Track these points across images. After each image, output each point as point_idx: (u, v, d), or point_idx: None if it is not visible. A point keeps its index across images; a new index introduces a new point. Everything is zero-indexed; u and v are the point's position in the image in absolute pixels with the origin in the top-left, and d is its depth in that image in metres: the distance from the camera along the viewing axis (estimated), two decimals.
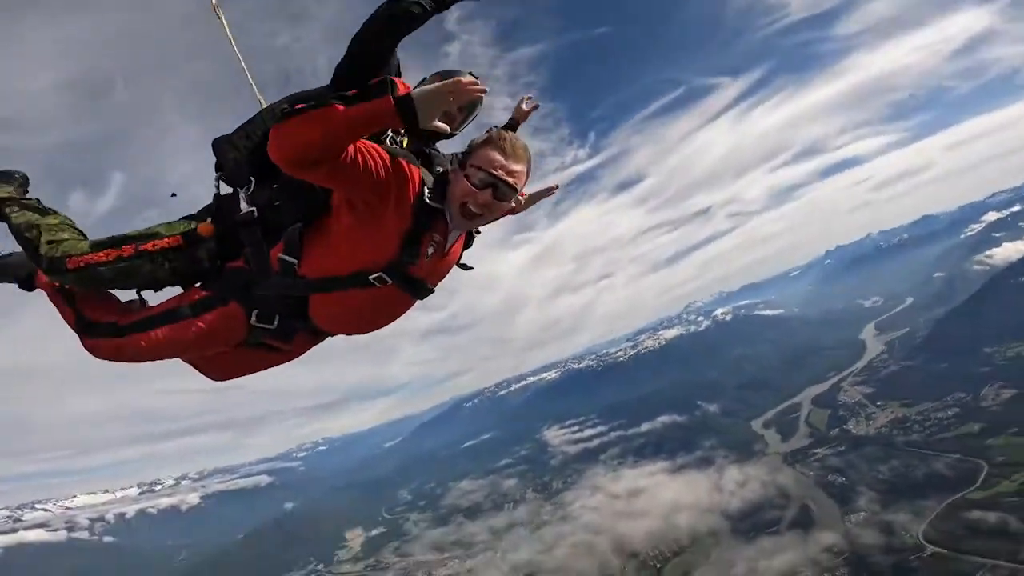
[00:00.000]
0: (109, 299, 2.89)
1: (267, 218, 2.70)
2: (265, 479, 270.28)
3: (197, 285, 2.78)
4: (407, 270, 2.58)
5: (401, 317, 2.92)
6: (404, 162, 2.49)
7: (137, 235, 2.72)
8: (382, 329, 2.98)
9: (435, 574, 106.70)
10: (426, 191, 2.53)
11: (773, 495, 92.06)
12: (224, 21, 3.47)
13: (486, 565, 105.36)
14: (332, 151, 2.20)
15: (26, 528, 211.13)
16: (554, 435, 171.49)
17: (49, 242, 2.68)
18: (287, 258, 2.58)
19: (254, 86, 3.55)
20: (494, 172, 2.47)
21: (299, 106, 2.16)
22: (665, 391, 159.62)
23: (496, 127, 2.67)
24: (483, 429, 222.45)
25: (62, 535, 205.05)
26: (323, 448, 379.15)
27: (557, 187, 3.44)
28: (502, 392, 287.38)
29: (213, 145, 2.95)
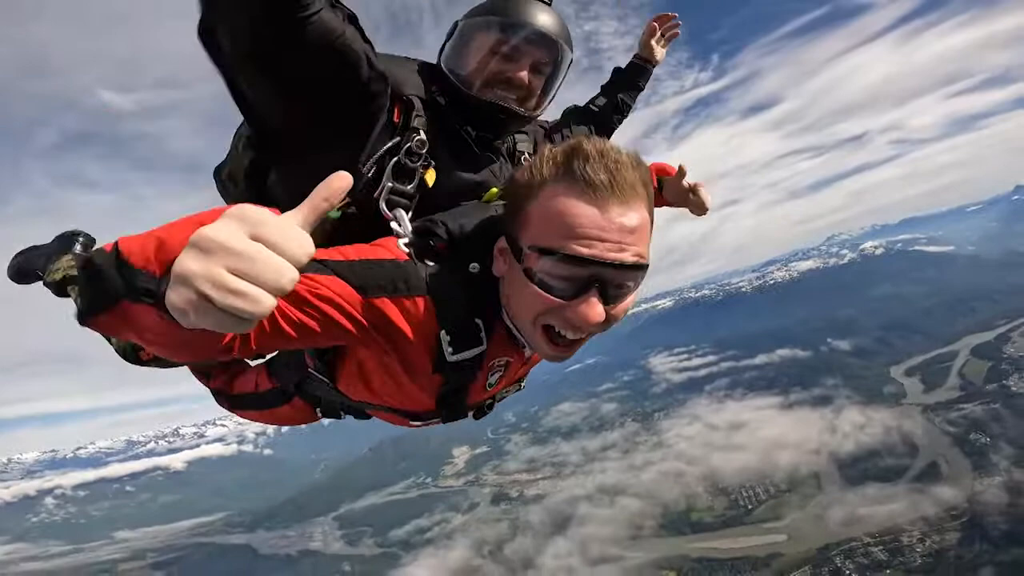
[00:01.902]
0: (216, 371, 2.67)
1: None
2: None
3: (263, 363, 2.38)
4: (455, 409, 1.78)
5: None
6: (384, 305, 1.34)
7: None
8: None
9: (526, 492, 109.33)
10: (445, 344, 1.42)
11: (895, 443, 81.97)
12: None
13: (574, 485, 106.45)
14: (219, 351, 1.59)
15: (207, 443, 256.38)
16: (660, 362, 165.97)
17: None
18: (317, 375, 1.86)
19: None
20: (582, 252, 1.21)
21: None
22: (790, 326, 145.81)
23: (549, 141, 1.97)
24: (589, 354, 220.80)
25: (234, 448, 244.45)
26: None
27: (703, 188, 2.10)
28: None
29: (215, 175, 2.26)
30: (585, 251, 1.19)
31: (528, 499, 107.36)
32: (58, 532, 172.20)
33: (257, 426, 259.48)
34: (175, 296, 0.77)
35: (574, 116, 2.48)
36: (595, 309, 1.24)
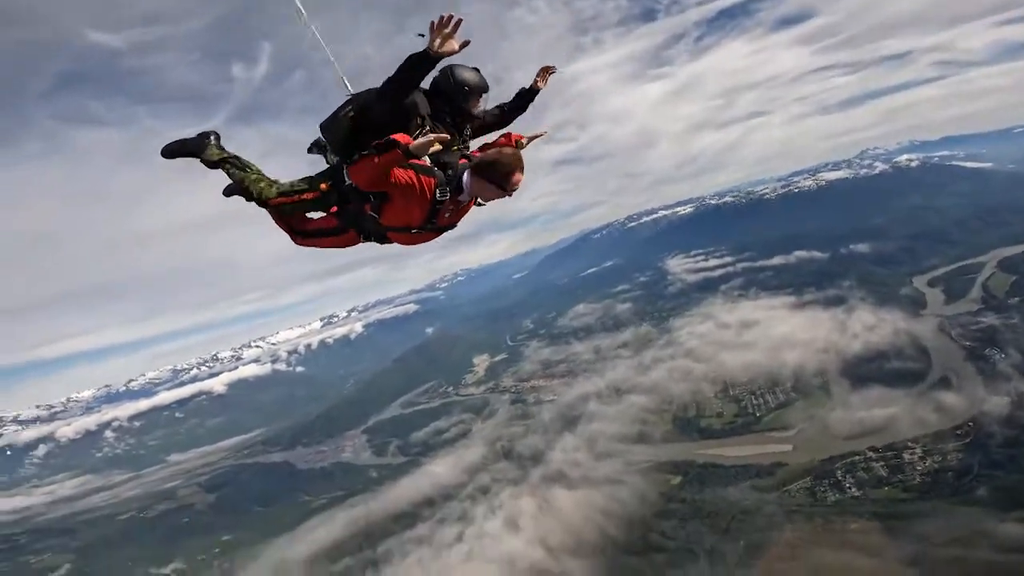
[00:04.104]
0: (298, 217, 5.18)
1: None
2: (413, 307, 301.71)
3: (333, 211, 4.99)
4: (432, 225, 4.63)
5: (434, 240, 4.98)
6: (422, 178, 4.30)
7: (295, 189, 4.89)
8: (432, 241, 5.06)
9: (541, 394, 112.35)
10: (438, 193, 4.35)
11: (906, 348, 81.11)
12: (311, 26, 4.87)
13: (585, 383, 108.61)
14: (381, 181, 4.19)
15: (244, 364, 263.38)
16: (677, 264, 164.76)
17: (256, 189, 4.91)
18: (373, 214, 4.66)
19: (344, 79, 5.01)
20: (508, 185, 4.30)
21: (363, 152, 4.19)
22: (811, 231, 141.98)
23: (503, 147, 4.55)
24: (607, 258, 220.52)
25: (268, 368, 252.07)
26: (461, 279, 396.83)
27: (546, 132, 5.56)
28: (632, 224, 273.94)
29: (320, 128, 5.07)
30: (507, 184, 4.34)
31: (542, 400, 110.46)
32: (120, 462, 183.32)
33: (289, 345, 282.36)
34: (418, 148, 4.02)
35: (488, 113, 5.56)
36: (495, 194, 4.50)
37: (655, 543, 63.16)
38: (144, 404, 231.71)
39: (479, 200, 4.63)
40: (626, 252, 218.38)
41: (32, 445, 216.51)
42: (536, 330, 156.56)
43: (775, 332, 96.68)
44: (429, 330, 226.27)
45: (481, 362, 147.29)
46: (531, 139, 5.33)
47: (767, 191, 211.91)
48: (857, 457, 64.96)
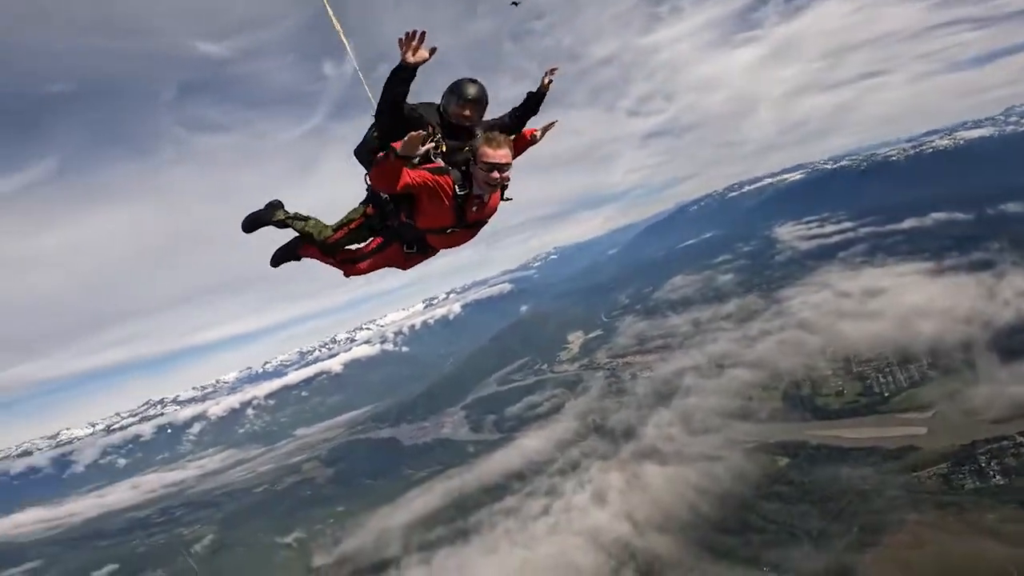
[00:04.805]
0: (347, 249, 5.66)
1: (397, 201, 5.05)
2: (507, 287, 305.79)
3: (377, 236, 5.58)
4: (464, 222, 4.94)
5: (472, 239, 5.34)
6: (437, 177, 4.63)
7: (346, 220, 5.54)
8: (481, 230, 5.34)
9: (638, 373, 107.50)
10: (456, 188, 4.67)
11: None
12: (337, 23, 5.09)
13: (682, 357, 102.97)
14: (391, 182, 4.40)
15: (357, 345, 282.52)
16: (787, 232, 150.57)
17: (318, 235, 5.55)
18: (408, 221, 5.01)
19: (367, 89, 5.27)
20: (490, 162, 4.51)
21: (376, 157, 4.44)
22: (951, 193, 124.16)
23: (482, 131, 4.86)
24: (705, 230, 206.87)
25: (377, 348, 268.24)
26: (555, 257, 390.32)
27: (557, 121, 5.53)
28: (732, 194, 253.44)
29: (353, 154, 5.55)
30: (489, 161, 4.51)
31: (637, 375, 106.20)
32: (257, 437, 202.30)
33: (395, 326, 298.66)
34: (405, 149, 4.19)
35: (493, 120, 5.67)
36: (493, 176, 4.58)
37: (753, 523, 59.04)
38: (277, 384, 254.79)
39: (504, 195, 5.08)
40: (727, 222, 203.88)
41: (188, 423, 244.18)
42: (632, 305, 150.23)
43: (906, 300, 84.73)
44: (523, 308, 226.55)
45: (575, 339, 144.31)
46: (544, 130, 5.54)
47: (893, 153, 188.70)
48: (1005, 441, 55.51)
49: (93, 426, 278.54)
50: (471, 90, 5.04)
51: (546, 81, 5.60)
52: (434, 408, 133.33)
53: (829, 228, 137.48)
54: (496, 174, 4.58)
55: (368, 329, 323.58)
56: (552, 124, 5.53)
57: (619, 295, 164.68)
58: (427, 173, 4.62)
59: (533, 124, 5.74)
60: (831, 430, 70.10)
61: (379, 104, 4.73)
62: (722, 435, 75.55)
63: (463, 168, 4.75)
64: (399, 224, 5.18)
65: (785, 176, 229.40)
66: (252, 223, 5.85)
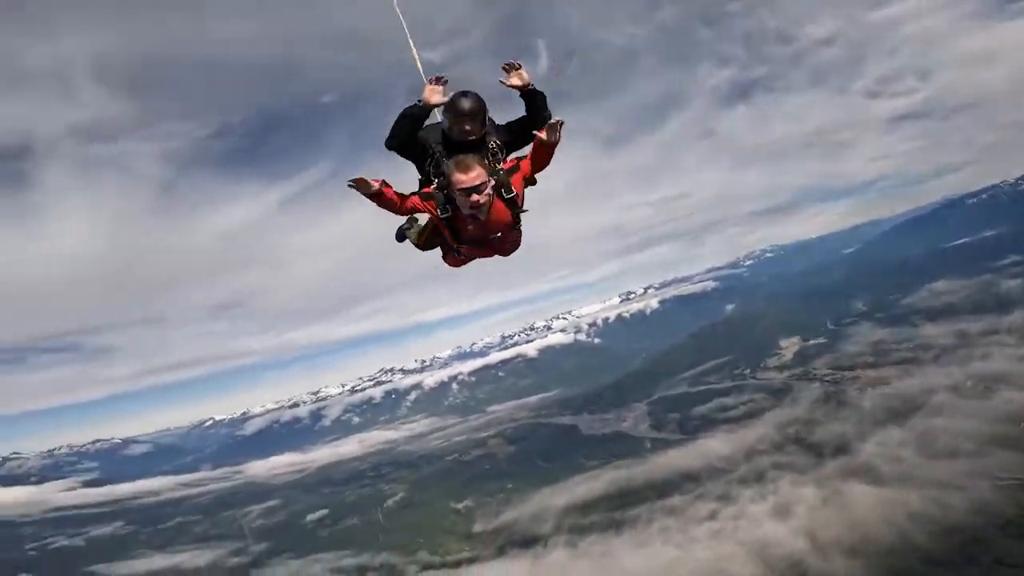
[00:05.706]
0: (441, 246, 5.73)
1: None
2: (711, 284, 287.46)
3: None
4: (465, 239, 5.09)
5: (492, 257, 5.56)
6: (425, 203, 4.95)
7: (420, 231, 5.73)
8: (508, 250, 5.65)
9: (869, 389, 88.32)
10: (439, 212, 4.87)
11: None
12: (403, 21, 5.57)
13: (935, 372, 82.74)
14: (392, 210, 5.03)
15: (552, 333, 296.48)
16: None
17: (414, 240, 5.85)
18: (451, 240, 5.18)
19: (420, 68, 5.66)
20: (463, 187, 4.52)
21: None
22: None
23: (454, 159, 4.76)
24: (985, 228, 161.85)
25: (571, 337, 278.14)
26: (770, 255, 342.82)
27: (559, 119, 5.08)
28: None
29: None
30: (461, 186, 4.52)
31: (867, 388, 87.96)
32: (458, 409, 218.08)
33: (590, 318, 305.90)
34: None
35: (499, 128, 5.51)
36: (470, 200, 4.60)
37: (980, 559, 48.48)
38: (480, 363, 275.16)
39: (516, 202, 5.10)
40: (1018, 218, 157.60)
41: (408, 391, 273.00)
42: (871, 312, 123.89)
43: None
44: (729, 307, 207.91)
45: (790, 345, 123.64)
46: (548, 130, 5.03)
47: None
48: None
49: (343, 386, 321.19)
50: (465, 104, 4.95)
51: (507, 83, 5.17)
52: (618, 401, 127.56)
53: None
54: (475, 197, 4.59)
55: (564, 319, 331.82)
56: (556, 123, 5.00)
57: (854, 300, 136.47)
58: (417, 199, 4.99)
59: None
60: None
61: (391, 130, 5.09)
62: (970, 463, 60.14)
63: (445, 191, 4.87)
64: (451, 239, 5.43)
65: None
66: (400, 238, 6.31)
